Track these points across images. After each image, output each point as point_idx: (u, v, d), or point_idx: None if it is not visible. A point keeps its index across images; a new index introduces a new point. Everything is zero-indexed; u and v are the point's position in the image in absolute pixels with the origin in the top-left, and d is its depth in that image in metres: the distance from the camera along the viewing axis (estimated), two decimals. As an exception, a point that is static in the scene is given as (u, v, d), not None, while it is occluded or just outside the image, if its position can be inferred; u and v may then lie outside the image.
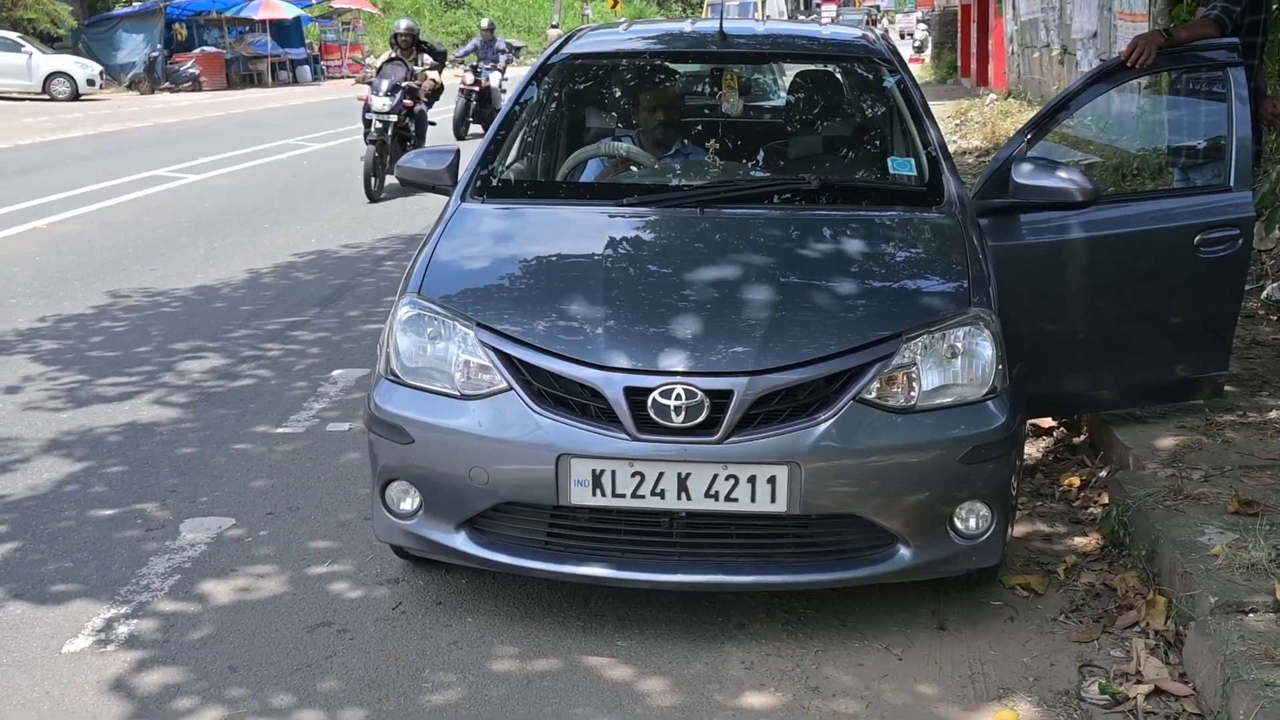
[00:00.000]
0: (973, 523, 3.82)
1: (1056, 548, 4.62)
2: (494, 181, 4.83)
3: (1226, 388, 5.38)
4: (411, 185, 4.97)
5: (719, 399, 3.58)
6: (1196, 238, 4.98)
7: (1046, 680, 3.71)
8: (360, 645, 3.88)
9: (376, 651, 3.84)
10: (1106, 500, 4.90)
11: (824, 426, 3.60)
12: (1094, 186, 4.55)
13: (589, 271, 4.12)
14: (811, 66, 5.98)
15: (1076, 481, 5.17)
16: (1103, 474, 5.19)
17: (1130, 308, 5.09)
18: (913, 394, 3.71)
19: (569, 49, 5.58)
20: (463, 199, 4.66)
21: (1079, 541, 4.67)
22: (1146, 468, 4.83)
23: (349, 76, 36.80)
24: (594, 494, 3.66)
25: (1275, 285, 7.36)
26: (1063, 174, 4.55)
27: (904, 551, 3.76)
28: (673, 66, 5.85)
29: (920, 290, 4.06)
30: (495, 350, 3.76)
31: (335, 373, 6.89)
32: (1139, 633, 3.93)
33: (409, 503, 3.91)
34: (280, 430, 5.95)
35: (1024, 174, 4.56)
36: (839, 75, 5.82)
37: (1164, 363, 5.23)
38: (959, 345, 3.81)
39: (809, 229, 4.39)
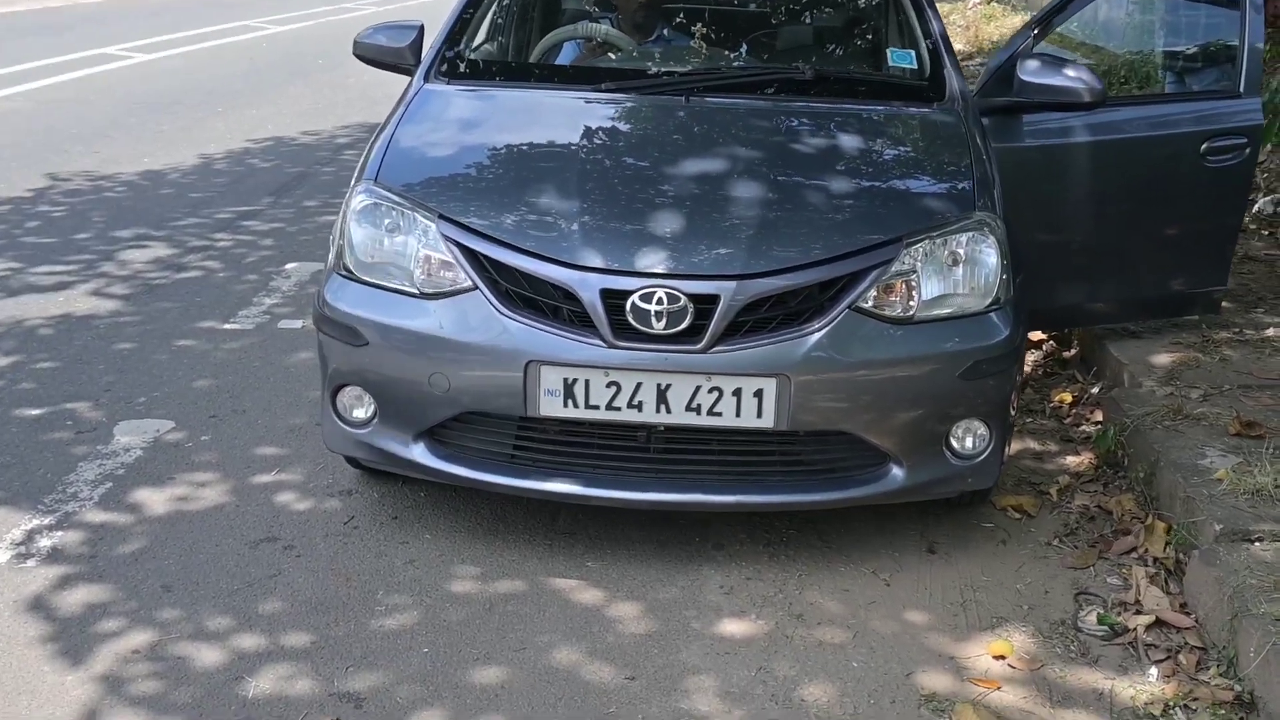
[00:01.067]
0: (969, 442, 3.57)
1: (1048, 467, 4.39)
2: (460, 62, 4.46)
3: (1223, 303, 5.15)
4: (370, 63, 4.60)
5: (704, 304, 3.29)
6: (1204, 145, 4.72)
7: (1041, 609, 3.48)
8: (307, 563, 3.60)
9: (325, 570, 3.56)
10: (1100, 418, 4.67)
11: (816, 336, 3.32)
12: (1102, 87, 4.25)
13: (563, 162, 3.78)
14: None
15: (1068, 398, 4.93)
16: (1095, 390, 4.95)
17: (1131, 217, 4.83)
18: (911, 303, 3.43)
19: None
20: (426, 79, 4.29)
21: (1071, 461, 4.44)
22: (1143, 385, 4.59)
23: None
24: (565, 405, 3.37)
25: (1267, 199, 7.11)
26: (1070, 72, 4.24)
27: (896, 472, 3.51)
28: None
29: (921, 192, 3.76)
30: (459, 245, 3.44)
31: (289, 266, 6.53)
32: (1137, 559, 3.71)
33: (362, 410, 3.61)
34: (227, 326, 5.61)
35: (1030, 71, 4.25)
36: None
37: (1163, 276, 4.98)
38: (961, 252, 3.52)
39: (802, 123, 4.07)
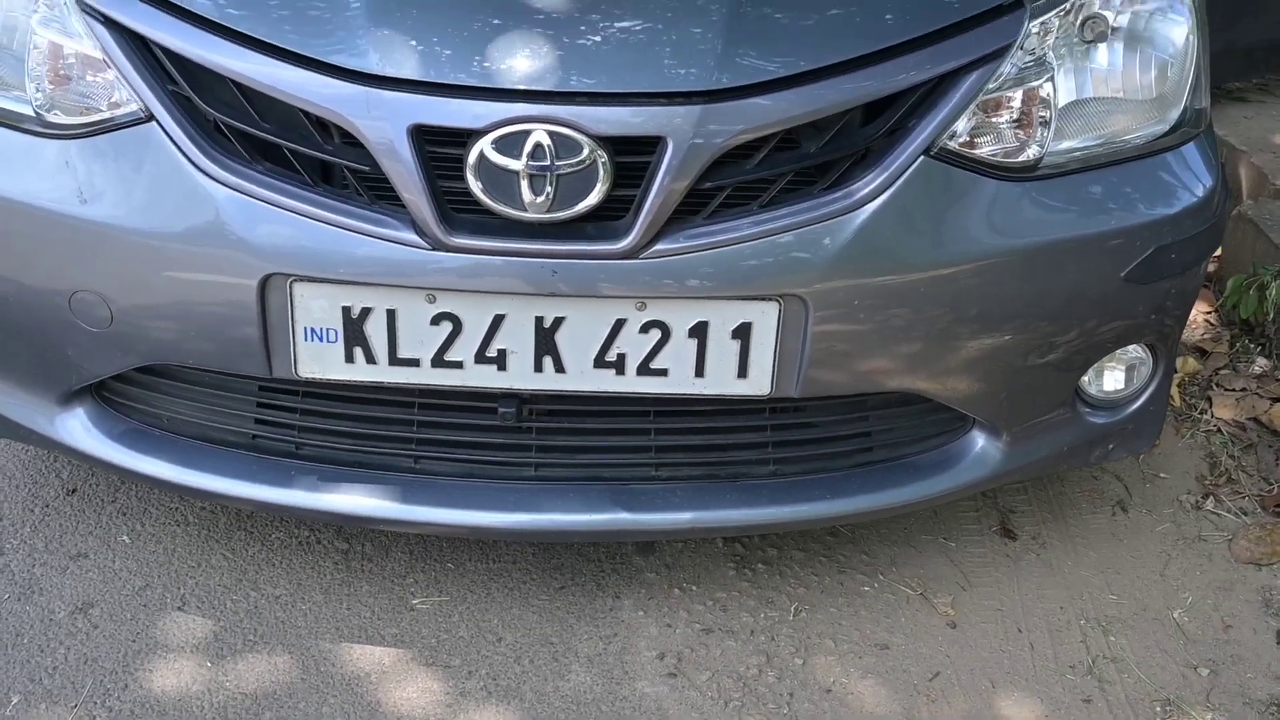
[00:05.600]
0: (1114, 380, 1.96)
1: (1148, 334, 2.78)
2: None
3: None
4: None
5: (631, 155, 1.56)
6: None
7: (1232, 670, 1.97)
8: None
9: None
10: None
11: (863, 216, 1.61)
12: None
13: None
14: None
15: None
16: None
17: None
18: (1041, 135, 1.72)
19: None
20: None
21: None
22: (1289, 194, 2.97)
23: None
24: (350, 359, 1.66)
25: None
26: None
27: (986, 446, 1.89)
28: None
29: None
30: (113, 25, 1.62)
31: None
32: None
33: (-43, 343, 1.86)
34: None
35: None
36: None
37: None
38: (1122, 22, 1.79)
39: None
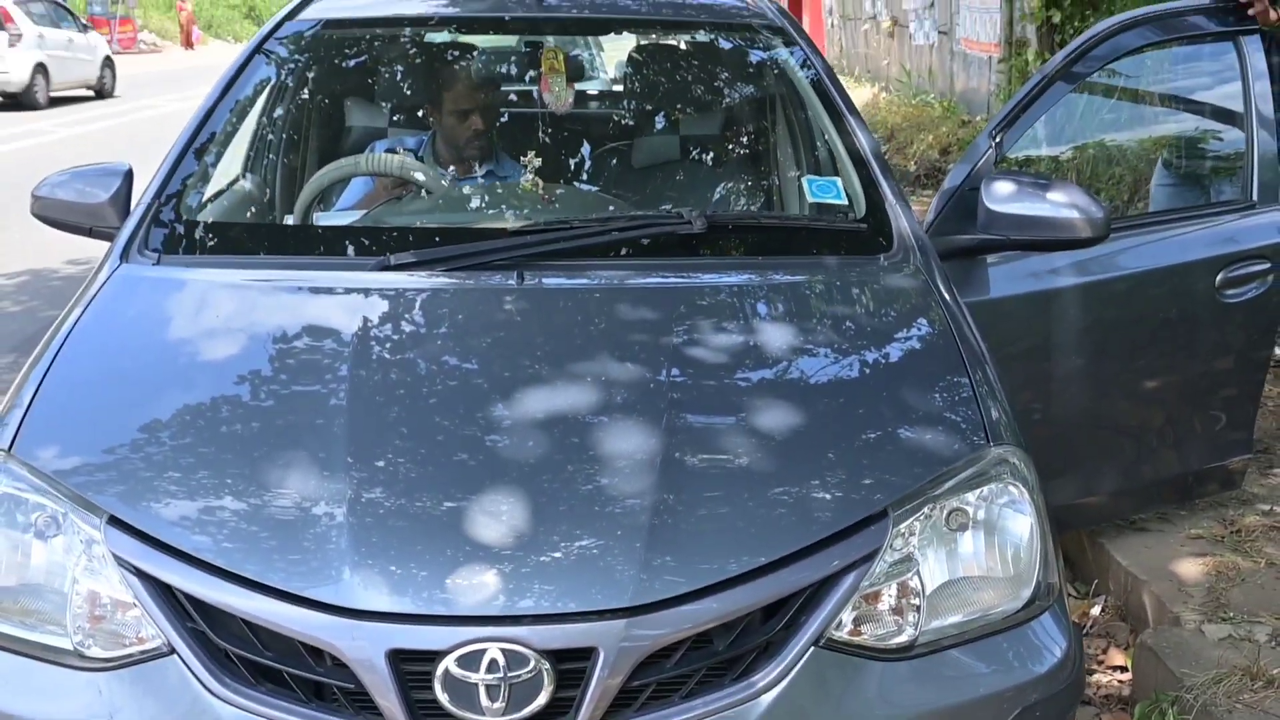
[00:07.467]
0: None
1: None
2: (180, 225, 2.95)
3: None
4: (58, 227, 3.13)
5: (570, 663, 1.91)
6: (1219, 276, 3.52)
7: None
8: None
9: None
10: (1124, 665, 3.38)
11: (766, 700, 1.94)
12: (1104, 215, 2.97)
13: (321, 413, 2.29)
14: (662, 39, 4.18)
15: (1067, 629, 3.62)
16: (1095, 611, 3.67)
17: (1133, 380, 3.64)
18: (913, 619, 2.07)
19: (314, 10, 3.68)
20: (124, 258, 2.79)
21: (1099, 742, 3.12)
22: (1183, 620, 3.30)
23: (120, 53, 32.90)
24: (337, 847, 1.94)
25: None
26: (1059, 196, 2.96)
27: None
28: (464, 39, 3.98)
29: (900, 420, 2.35)
30: (142, 574, 1.99)
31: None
32: None
33: None
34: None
35: (1000, 198, 2.96)
36: (707, 49, 4.01)
37: (1173, 453, 3.78)
38: (979, 515, 2.18)
39: (698, 311, 2.63)
